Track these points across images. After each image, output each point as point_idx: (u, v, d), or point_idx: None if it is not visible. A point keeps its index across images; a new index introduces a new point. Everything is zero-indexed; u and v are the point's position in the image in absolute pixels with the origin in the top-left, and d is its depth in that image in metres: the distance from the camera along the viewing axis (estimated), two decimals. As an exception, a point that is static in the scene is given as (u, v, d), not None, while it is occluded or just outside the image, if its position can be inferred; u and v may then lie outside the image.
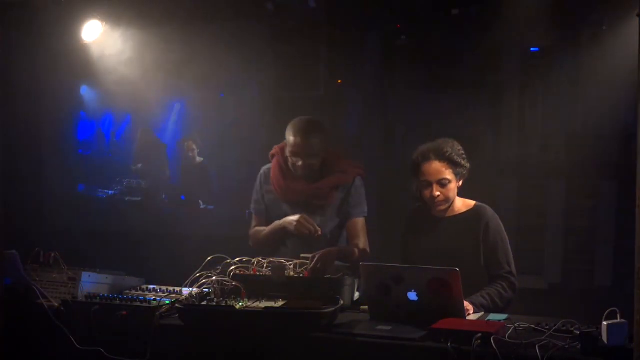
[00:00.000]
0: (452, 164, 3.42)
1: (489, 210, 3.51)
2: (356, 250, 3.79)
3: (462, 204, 3.54)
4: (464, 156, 3.47)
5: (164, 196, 7.24)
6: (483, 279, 3.41)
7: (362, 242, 3.85)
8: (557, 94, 5.72)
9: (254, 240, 3.98)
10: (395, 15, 5.60)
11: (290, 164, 3.81)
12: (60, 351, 3.17)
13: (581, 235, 5.79)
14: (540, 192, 5.89)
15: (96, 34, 5.01)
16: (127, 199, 7.01)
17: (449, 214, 3.52)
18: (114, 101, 6.99)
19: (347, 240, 3.92)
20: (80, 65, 5.43)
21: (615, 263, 5.62)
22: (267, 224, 3.94)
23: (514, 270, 3.44)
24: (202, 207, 7.22)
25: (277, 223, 3.84)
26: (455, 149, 3.45)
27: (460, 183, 3.49)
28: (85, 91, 7.69)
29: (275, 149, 3.95)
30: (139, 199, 6.99)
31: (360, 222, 3.88)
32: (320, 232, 3.73)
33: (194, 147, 7.41)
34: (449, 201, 3.48)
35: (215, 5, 5.47)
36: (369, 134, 6.12)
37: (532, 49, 5.81)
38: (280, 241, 3.86)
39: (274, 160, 3.94)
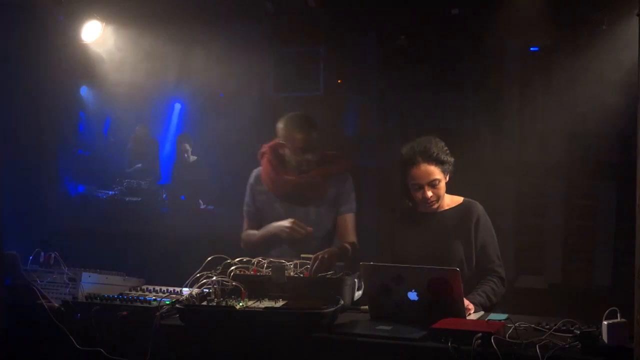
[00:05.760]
0: (439, 163, 3.41)
1: (479, 205, 3.51)
2: (350, 248, 3.78)
3: (450, 200, 3.54)
4: (448, 152, 3.46)
5: (164, 196, 7.24)
6: (472, 273, 3.41)
7: (353, 238, 3.86)
8: (557, 94, 5.72)
9: (246, 243, 3.96)
10: (394, 15, 5.60)
11: (294, 160, 3.82)
12: (60, 351, 3.16)
13: (581, 235, 5.79)
14: (540, 192, 5.89)
15: (96, 34, 5.01)
16: (127, 199, 7.02)
17: (438, 209, 3.52)
18: (113, 102, 6.99)
19: (338, 236, 3.90)
20: (80, 65, 5.43)
21: (615, 263, 5.62)
22: (258, 227, 3.93)
23: (501, 263, 3.46)
24: (202, 207, 7.24)
25: (269, 229, 3.85)
26: (439, 146, 3.44)
27: (447, 178, 3.49)
28: (85, 91, 7.70)
29: (264, 148, 3.95)
30: (139, 199, 6.99)
31: (350, 217, 3.89)
32: (311, 233, 3.76)
33: (188, 147, 7.43)
34: (440, 199, 3.48)
35: (214, 5, 5.47)
36: (368, 133, 6.12)
37: (532, 49, 5.82)
38: (271, 246, 3.85)
39: (264, 159, 3.93)
